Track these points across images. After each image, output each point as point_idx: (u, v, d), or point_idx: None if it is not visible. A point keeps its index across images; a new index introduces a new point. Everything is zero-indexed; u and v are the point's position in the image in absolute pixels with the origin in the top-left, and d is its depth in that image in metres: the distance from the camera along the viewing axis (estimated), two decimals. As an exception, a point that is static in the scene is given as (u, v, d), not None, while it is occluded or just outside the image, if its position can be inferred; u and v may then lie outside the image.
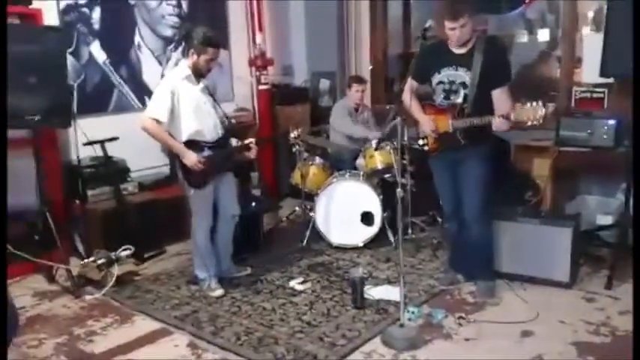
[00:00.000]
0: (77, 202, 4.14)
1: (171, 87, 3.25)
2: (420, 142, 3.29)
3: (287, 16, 6.04)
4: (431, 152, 3.28)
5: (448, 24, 2.96)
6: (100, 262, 3.63)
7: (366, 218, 4.15)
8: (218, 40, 3.38)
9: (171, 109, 3.23)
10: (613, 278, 3.37)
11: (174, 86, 3.26)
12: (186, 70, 3.32)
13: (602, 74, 3.49)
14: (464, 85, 3.07)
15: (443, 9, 3.02)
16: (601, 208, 4.31)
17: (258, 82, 5.45)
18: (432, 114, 3.19)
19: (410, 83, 3.28)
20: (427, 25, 2.89)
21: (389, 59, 6.02)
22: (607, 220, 4.08)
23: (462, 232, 3.32)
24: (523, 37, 6.94)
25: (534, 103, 2.78)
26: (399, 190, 2.81)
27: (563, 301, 3.21)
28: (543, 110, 2.76)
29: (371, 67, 5.72)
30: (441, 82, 3.15)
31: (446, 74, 3.12)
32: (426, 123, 3.19)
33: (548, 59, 5.83)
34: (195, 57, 3.30)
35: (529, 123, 2.81)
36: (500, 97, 3.01)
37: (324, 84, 6.07)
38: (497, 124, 2.93)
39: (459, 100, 3.09)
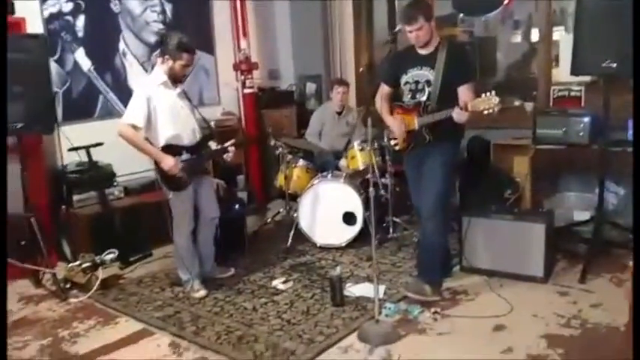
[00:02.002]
0: (63, 207, 4.21)
1: (147, 93, 3.31)
2: (392, 142, 3.38)
3: (273, 20, 6.13)
4: (402, 151, 3.37)
5: (406, 27, 3.12)
6: (85, 265, 3.70)
7: (349, 218, 4.22)
8: (192, 45, 3.44)
9: (147, 114, 3.29)
10: (587, 273, 3.44)
11: (150, 92, 3.32)
12: (162, 75, 3.39)
13: (573, 72, 3.55)
14: (428, 83, 3.18)
15: (401, 15, 3.15)
16: (579, 205, 4.39)
17: (244, 86, 5.52)
18: (400, 114, 3.30)
19: (381, 87, 3.41)
20: (397, 29, 3.02)
21: (375, 63, 6.10)
22: (584, 215, 4.16)
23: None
24: (513, 38, 7.05)
25: (488, 94, 2.89)
26: (371, 189, 2.88)
27: (538, 296, 3.27)
28: (497, 99, 2.86)
29: (361, 69, 5.79)
30: (407, 83, 3.27)
31: (411, 74, 3.24)
32: (393, 123, 3.30)
33: (533, 59, 5.92)
34: (170, 62, 3.36)
35: (485, 112, 2.91)
36: (464, 93, 3.11)
37: (311, 87, 6.15)
38: (456, 115, 3.02)
39: (424, 97, 3.20)
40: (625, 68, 3.34)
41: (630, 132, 3.92)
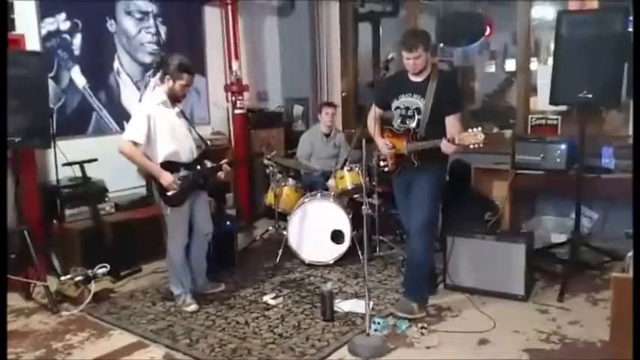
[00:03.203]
0: (55, 221, 4.24)
1: (148, 111, 3.43)
2: (381, 163, 3.54)
3: (262, 44, 6.30)
4: (390, 173, 3.52)
5: (404, 54, 3.25)
6: (77, 279, 3.73)
7: (337, 236, 4.34)
8: (193, 66, 3.58)
9: (147, 132, 3.40)
10: (565, 292, 3.61)
11: (151, 111, 3.44)
12: (162, 95, 3.51)
13: (552, 102, 3.78)
14: (418, 110, 3.33)
15: (401, 40, 3.29)
16: (556, 228, 4.60)
17: (234, 107, 5.65)
18: (390, 137, 3.45)
19: (373, 109, 3.56)
20: (389, 56, 3.19)
21: (359, 87, 6.31)
22: (561, 238, 4.36)
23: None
24: (489, 68, 7.36)
25: (474, 129, 3.04)
26: (364, 207, 3.03)
27: (518, 313, 3.43)
28: (482, 135, 3.01)
29: (343, 93, 5.98)
30: (398, 108, 3.42)
31: (402, 100, 3.39)
32: (382, 146, 3.45)
33: (510, 88, 6.21)
34: (170, 83, 3.49)
35: (471, 146, 3.06)
36: (452, 123, 3.26)
37: (298, 109, 6.32)
38: (444, 147, 3.18)
39: (414, 124, 3.35)
40: (601, 98, 3.58)
41: (604, 160, 4.17)
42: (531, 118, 4.80)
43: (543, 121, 4.73)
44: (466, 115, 6.39)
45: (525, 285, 3.58)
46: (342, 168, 4.46)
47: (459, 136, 3.11)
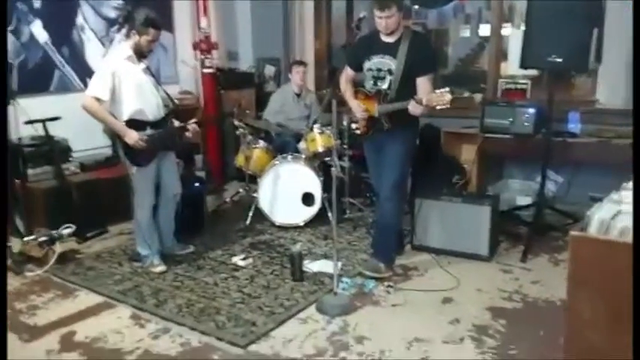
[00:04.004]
0: (17, 181, 4.13)
1: (113, 67, 3.32)
2: (353, 125, 3.52)
3: (233, 2, 6.12)
4: (362, 135, 3.51)
5: (377, 13, 3.20)
6: (41, 239, 3.66)
7: (307, 199, 4.34)
8: (160, 21, 3.47)
9: (112, 88, 3.30)
10: (528, 253, 3.71)
11: (116, 66, 3.33)
12: (127, 50, 3.40)
13: (522, 65, 3.79)
14: (390, 71, 3.30)
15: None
16: (522, 191, 4.69)
17: (203, 66, 5.52)
18: (361, 99, 3.42)
19: (345, 70, 3.52)
20: (361, 15, 3.13)
21: (332, 49, 6.22)
22: (526, 200, 4.46)
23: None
24: (464, 32, 7.32)
25: (442, 90, 3.02)
26: (333, 169, 3.02)
27: (482, 273, 3.51)
28: (450, 96, 3.00)
29: (314, 56, 5.89)
30: (370, 69, 3.38)
31: (374, 62, 3.35)
32: (356, 108, 3.41)
33: (483, 53, 6.20)
34: (137, 37, 3.37)
35: (438, 107, 3.04)
36: (422, 84, 3.24)
37: (270, 70, 6.21)
38: (412, 108, 3.16)
39: (385, 86, 3.32)
40: (570, 62, 3.61)
41: (571, 125, 4.24)
42: (501, 82, 4.82)
43: (513, 86, 4.76)
44: (438, 79, 6.42)
45: (490, 246, 3.66)
46: (311, 129, 4.42)
47: (427, 97, 3.09)
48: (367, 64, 3.39)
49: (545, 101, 3.87)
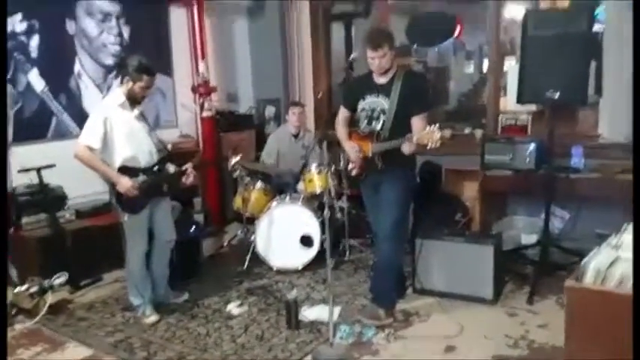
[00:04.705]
0: (11, 229, 4.08)
1: (105, 114, 3.30)
2: (349, 166, 3.44)
3: (232, 43, 6.17)
4: (358, 176, 3.43)
5: (369, 53, 3.16)
6: (32, 290, 3.58)
7: (306, 241, 4.24)
8: (153, 67, 3.46)
9: (104, 135, 3.27)
10: (534, 294, 3.56)
11: (108, 113, 3.31)
12: (120, 97, 3.38)
13: (519, 100, 3.74)
14: (383, 111, 3.24)
15: (365, 39, 3.20)
16: (528, 228, 4.55)
17: (202, 109, 5.52)
18: (356, 140, 3.36)
19: (341, 111, 3.48)
20: (352, 56, 3.10)
21: (333, 88, 6.22)
22: (531, 239, 4.31)
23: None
24: (468, 68, 7.33)
25: (431, 127, 2.93)
26: (326, 211, 2.93)
27: (487, 317, 3.37)
28: (439, 133, 2.90)
29: (320, 94, 5.87)
30: (363, 109, 3.33)
31: (368, 102, 3.30)
32: (349, 149, 3.35)
33: (484, 88, 6.16)
34: (130, 84, 3.37)
35: (429, 145, 2.95)
36: (416, 124, 3.17)
37: (270, 110, 6.20)
38: (404, 147, 3.10)
39: (379, 126, 3.26)
40: (568, 96, 3.54)
41: (574, 159, 4.13)
42: (501, 118, 4.75)
43: (513, 121, 4.68)
44: (441, 115, 6.39)
45: (494, 288, 3.52)
46: (303, 168, 4.34)
47: (417, 135, 3.02)
48: (361, 104, 3.34)
49: (544, 135, 3.79)
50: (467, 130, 5.24)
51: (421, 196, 4.60)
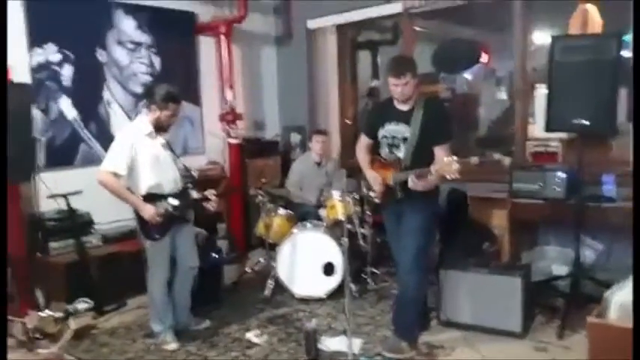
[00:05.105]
0: (39, 254, 4.16)
1: (130, 141, 3.35)
2: (371, 194, 3.39)
3: (259, 73, 6.27)
4: (380, 204, 3.37)
5: (392, 80, 3.12)
6: (56, 315, 3.61)
7: (328, 269, 4.19)
8: (179, 95, 3.51)
9: (130, 162, 3.31)
10: (565, 328, 3.42)
11: (133, 140, 3.36)
12: (146, 125, 3.44)
13: (547, 129, 3.65)
14: (404, 140, 3.19)
15: (388, 66, 3.18)
16: (559, 259, 4.39)
17: (228, 136, 5.59)
18: (378, 168, 3.31)
19: (361, 138, 3.45)
20: (372, 84, 3.07)
21: (358, 115, 6.21)
22: (563, 270, 4.15)
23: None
24: (500, 94, 7.23)
25: (449, 158, 2.86)
26: (344, 239, 2.89)
27: (515, 351, 3.24)
28: (457, 165, 2.82)
29: (347, 121, 5.87)
30: (384, 137, 3.28)
31: (388, 129, 3.26)
32: (371, 178, 3.31)
33: (514, 115, 6.06)
34: (157, 112, 3.42)
35: (448, 177, 2.88)
36: (438, 154, 3.10)
37: (295, 137, 6.24)
38: (416, 184, 3.05)
39: (401, 154, 3.21)
40: (597, 125, 3.44)
41: (605, 187, 3.99)
42: (530, 145, 4.64)
43: (543, 148, 4.57)
44: (471, 141, 6.29)
45: (523, 321, 3.40)
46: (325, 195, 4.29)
47: (436, 167, 2.96)
48: (381, 132, 3.30)
49: (576, 163, 3.68)
50: (496, 157, 5.13)
51: (447, 224, 4.51)
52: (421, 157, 3.12)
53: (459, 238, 4.36)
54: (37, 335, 3.64)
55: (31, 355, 3.48)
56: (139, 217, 3.37)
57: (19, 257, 3.96)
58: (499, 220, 4.38)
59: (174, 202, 3.38)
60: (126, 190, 3.34)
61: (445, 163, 2.86)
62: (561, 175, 3.93)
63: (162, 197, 3.41)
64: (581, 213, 3.66)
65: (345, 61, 6.04)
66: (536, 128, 4.86)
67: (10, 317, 3.66)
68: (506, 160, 4.80)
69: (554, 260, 4.39)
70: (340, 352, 3.27)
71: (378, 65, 6.43)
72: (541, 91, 5.01)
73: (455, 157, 2.84)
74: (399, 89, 3.14)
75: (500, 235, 4.32)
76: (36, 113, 4.27)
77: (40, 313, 3.66)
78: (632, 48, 3.29)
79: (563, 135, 4.39)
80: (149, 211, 3.32)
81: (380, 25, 6.13)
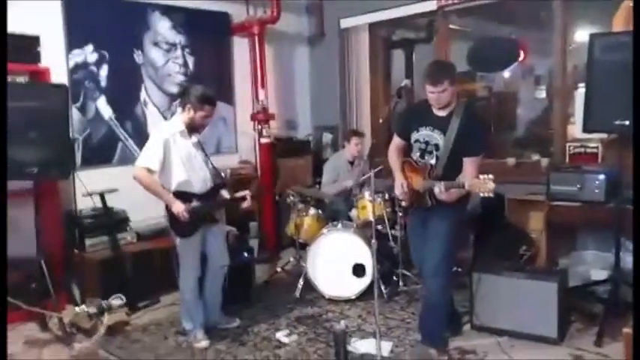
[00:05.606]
0: (75, 251, 4.26)
1: (164, 139, 3.38)
2: (400, 196, 3.33)
3: (292, 73, 6.28)
4: (407, 207, 3.32)
5: (429, 88, 3.02)
6: (90, 310, 3.69)
7: (358, 270, 4.15)
8: (215, 97, 3.53)
9: (162, 158, 3.35)
10: (603, 335, 3.29)
11: (167, 138, 3.39)
12: (180, 124, 3.47)
13: (585, 130, 3.53)
14: (437, 147, 3.11)
15: (425, 72, 3.07)
16: (598, 263, 4.24)
17: (260, 136, 5.61)
18: (409, 171, 3.25)
19: (395, 139, 3.39)
20: (403, 84, 3.01)
21: (393, 113, 6.13)
22: (601, 275, 4.01)
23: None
24: (539, 93, 7.05)
25: (485, 177, 2.76)
26: (373, 241, 2.85)
27: (550, 358, 3.13)
28: (492, 184, 2.73)
29: (381, 120, 5.82)
30: (417, 141, 3.20)
31: (422, 134, 3.17)
32: (398, 180, 3.25)
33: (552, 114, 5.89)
34: (192, 113, 3.45)
35: (481, 194, 2.80)
36: (468, 166, 3.02)
37: (327, 137, 6.23)
38: (442, 194, 2.96)
39: (432, 161, 3.13)
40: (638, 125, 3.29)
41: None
42: (569, 146, 4.50)
43: (582, 150, 4.42)
44: (509, 141, 6.15)
45: (559, 327, 3.29)
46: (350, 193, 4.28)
47: (470, 182, 2.86)
48: (415, 136, 3.22)
49: (617, 165, 3.54)
50: (534, 158, 5.00)
51: (482, 226, 4.42)
52: (453, 167, 3.04)
53: (494, 241, 4.27)
54: (73, 330, 3.74)
55: (67, 349, 3.56)
56: (170, 214, 3.41)
57: (56, 253, 4.07)
58: (536, 223, 4.27)
59: (195, 204, 3.39)
60: (159, 185, 3.38)
61: (481, 180, 2.76)
62: (601, 177, 3.78)
63: (192, 195, 3.43)
64: (622, 216, 3.52)
65: (377, 61, 6.01)
66: (577, 129, 4.71)
67: (45, 312, 3.78)
68: (544, 161, 4.71)
69: (592, 265, 4.24)
70: (370, 354, 3.24)
71: (413, 64, 6.36)
72: (582, 91, 4.87)
73: (491, 176, 2.74)
74: (435, 96, 3.03)
75: (537, 239, 4.21)
76: (74, 113, 4.38)
77: (75, 308, 3.75)
78: (632, 48, 3.17)
79: (603, 136, 4.25)
80: (178, 206, 3.35)
81: (414, 23, 6.05)
